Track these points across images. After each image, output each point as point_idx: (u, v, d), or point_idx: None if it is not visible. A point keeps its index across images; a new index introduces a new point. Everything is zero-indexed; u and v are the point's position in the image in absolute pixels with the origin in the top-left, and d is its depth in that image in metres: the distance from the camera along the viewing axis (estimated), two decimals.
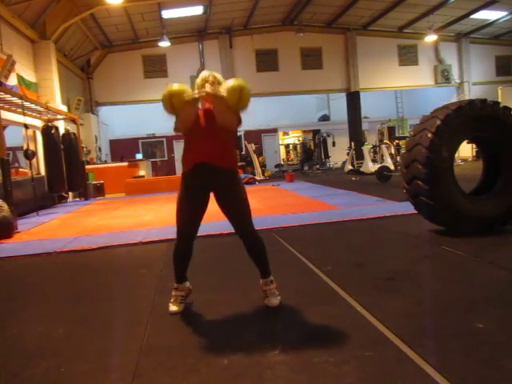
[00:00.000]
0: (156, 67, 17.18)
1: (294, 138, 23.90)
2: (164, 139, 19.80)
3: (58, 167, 9.62)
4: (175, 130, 2.69)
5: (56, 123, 10.39)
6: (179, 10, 14.53)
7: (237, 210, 2.68)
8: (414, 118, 20.30)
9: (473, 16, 16.91)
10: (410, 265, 3.46)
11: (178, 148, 19.29)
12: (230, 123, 2.61)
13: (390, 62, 18.96)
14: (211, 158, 2.59)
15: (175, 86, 2.56)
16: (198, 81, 2.70)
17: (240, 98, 2.52)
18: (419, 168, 4.16)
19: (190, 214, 2.66)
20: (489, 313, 2.38)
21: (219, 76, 2.73)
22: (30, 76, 10.51)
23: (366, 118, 20.32)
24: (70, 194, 11.46)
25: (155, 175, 16.04)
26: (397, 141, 15.97)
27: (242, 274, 3.25)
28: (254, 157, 15.89)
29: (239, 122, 2.68)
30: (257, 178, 14.50)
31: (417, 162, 4.20)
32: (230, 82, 2.57)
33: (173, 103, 2.54)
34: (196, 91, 2.58)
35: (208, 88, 2.55)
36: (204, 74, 2.72)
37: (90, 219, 7.39)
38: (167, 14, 14.45)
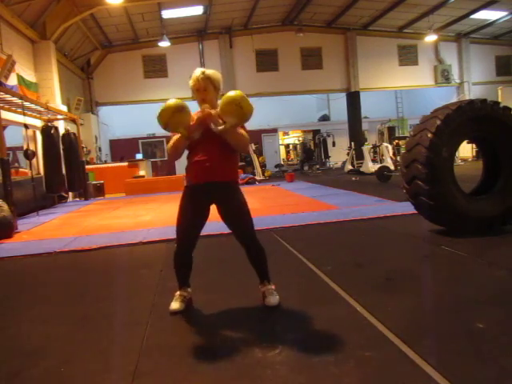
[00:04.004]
0: (156, 67, 17.18)
1: (294, 138, 23.92)
2: (164, 139, 19.77)
3: (56, 167, 9.60)
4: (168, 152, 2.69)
5: (56, 123, 10.39)
6: (179, 10, 14.53)
7: (238, 220, 2.70)
8: (413, 118, 20.32)
9: (473, 16, 16.91)
10: (410, 265, 3.46)
11: None
12: (246, 145, 2.64)
13: (390, 62, 18.97)
14: (212, 175, 2.56)
15: (170, 103, 2.45)
16: (191, 83, 2.60)
17: (241, 111, 2.43)
18: (419, 168, 4.16)
19: (190, 226, 2.68)
20: (489, 313, 2.38)
21: (213, 74, 2.61)
22: (30, 76, 10.51)
23: (366, 117, 20.33)
24: (70, 193, 11.46)
25: (155, 175, 16.04)
26: (397, 141, 15.98)
27: (242, 273, 3.25)
28: (254, 157, 15.89)
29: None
30: (257, 177, 14.50)
31: (417, 162, 4.19)
32: (224, 99, 2.45)
33: (168, 123, 2.44)
34: (196, 133, 2.50)
35: (213, 126, 2.45)
36: (196, 74, 2.61)
37: (90, 219, 7.39)
38: (167, 14, 14.45)
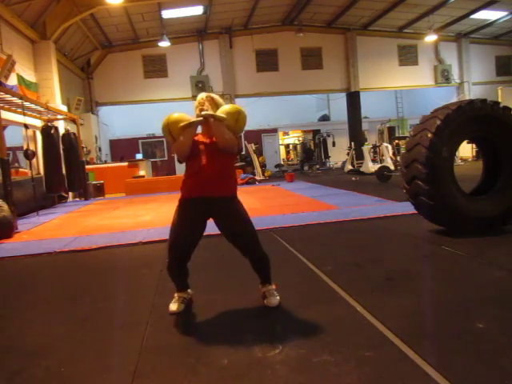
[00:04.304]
0: (156, 67, 17.17)
1: (294, 138, 23.91)
2: (164, 139, 19.79)
3: (56, 167, 9.61)
4: (173, 153, 2.72)
5: (56, 123, 10.38)
6: (179, 10, 14.52)
7: (240, 236, 2.65)
8: (413, 118, 20.33)
9: (473, 16, 16.91)
10: (410, 265, 3.46)
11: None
12: (232, 144, 2.56)
13: (390, 62, 18.96)
14: (210, 191, 2.54)
15: (174, 116, 2.56)
16: (196, 103, 2.69)
17: (238, 120, 2.56)
18: (419, 168, 4.16)
19: (184, 239, 2.64)
20: (489, 313, 2.38)
21: (216, 96, 2.73)
22: (30, 76, 10.51)
23: (366, 117, 20.33)
24: (70, 193, 11.46)
25: (155, 175, 16.04)
26: (397, 141, 15.98)
27: (241, 273, 3.25)
28: (254, 157, 15.89)
29: (239, 146, 2.68)
30: (257, 177, 14.50)
31: (417, 162, 4.19)
32: (227, 106, 2.62)
33: (171, 132, 2.56)
34: (193, 118, 2.56)
35: (205, 108, 2.54)
36: (201, 95, 2.70)
37: (90, 219, 7.39)
38: (167, 14, 14.45)
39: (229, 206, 2.62)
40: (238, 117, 2.56)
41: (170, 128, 2.56)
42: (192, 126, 2.55)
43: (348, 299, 2.71)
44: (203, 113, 2.54)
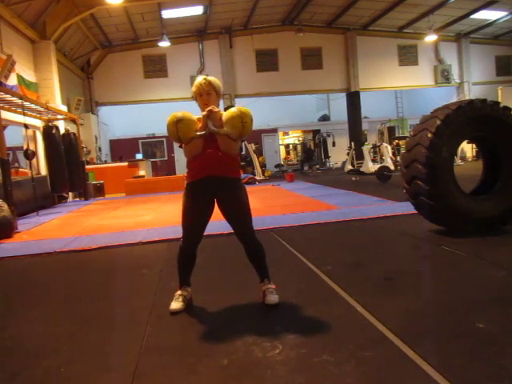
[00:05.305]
0: (156, 67, 17.17)
1: (294, 138, 23.91)
2: (164, 139, 19.80)
3: (60, 167, 9.62)
4: (178, 145, 2.73)
5: (56, 123, 10.38)
6: (179, 10, 14.53)
7: (238, 212, 2.73)
8: (413, 117, 20.31)
9: (473, 16, 16.90)
10: (410, 265, 3.46)
11: (178, 148, 19.17)
12: (233, 152, 2.70)
13: (390, 62, 18.96)
14: (215, 170, 2.64)
15: (180, 115, 2.54)
16: (194, 89, 2.69)
17: (242, 130, 2.56)
18: (419, 168, 4.16)
19: (195, 221, 2.73)
20: (489, 313, 2.38)
21: (214, 80, 2.71)
22: (30, 76, 10.50)
23: (366, 118, 20.32)
24: (70, 193, 11.46)
25: (155, 175, 16.03)
26: (397, 141, 15.97)
27: (241, 273, 3.25)
28: (254, 157, 15.88)
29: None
30: (257, 177, 14.50)
31: (417, 162, 4.19)
32: (233, 110, 2.59)
33: (179, 134, 2.54)
34: (200, 132, 2.56)
35: (211, 125, 2.54)
36: (198, 80, 2.69)
37: (90, 219, 7.39)
38: (167, 14, 14.45)
39: (233, 187, 2.71)
40: (243, 127, 2.54)
41: (179, 128, 2.53)
42: (202, 137, 2.58)
43: (348, 299, 2.71)
44: (210, 126, 2.55)
